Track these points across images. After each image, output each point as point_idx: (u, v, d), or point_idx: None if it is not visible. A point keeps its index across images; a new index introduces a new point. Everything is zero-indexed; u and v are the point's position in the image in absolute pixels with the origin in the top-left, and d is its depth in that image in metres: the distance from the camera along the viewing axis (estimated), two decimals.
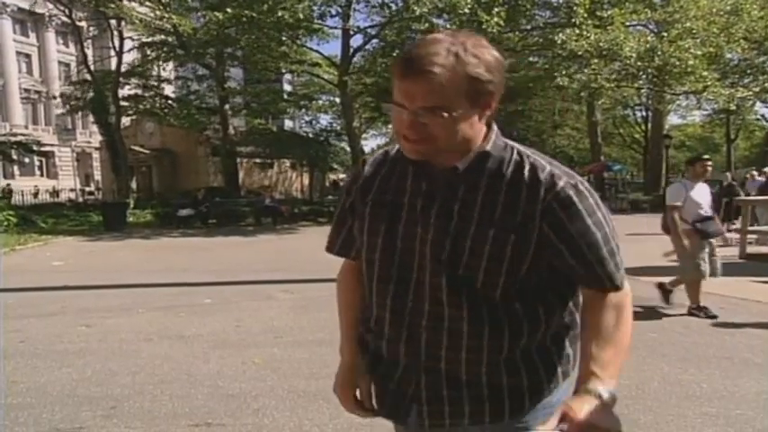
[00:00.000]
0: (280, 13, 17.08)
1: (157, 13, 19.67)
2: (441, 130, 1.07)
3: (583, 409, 1.07)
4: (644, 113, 34.85)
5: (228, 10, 17.20)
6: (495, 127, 1.19)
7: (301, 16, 17.84)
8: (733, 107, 21.67)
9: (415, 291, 1.19)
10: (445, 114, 1.05)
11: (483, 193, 1.14)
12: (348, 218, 1.31)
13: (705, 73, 18.26)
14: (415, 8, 16.25)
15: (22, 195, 26.08)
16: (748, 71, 23.79)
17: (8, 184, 29.74)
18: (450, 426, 1.22)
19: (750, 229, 9.60)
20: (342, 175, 36.76)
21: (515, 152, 1.17)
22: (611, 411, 1.10)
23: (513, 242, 1.12)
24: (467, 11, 15.73)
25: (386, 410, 1.32)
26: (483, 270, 1.13)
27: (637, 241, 11.69)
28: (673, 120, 39.08)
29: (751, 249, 9.43)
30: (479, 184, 1.15)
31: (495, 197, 1.14)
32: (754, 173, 16.29)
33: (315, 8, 18.81)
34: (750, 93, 20.86)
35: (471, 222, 1.14)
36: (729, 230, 13.80)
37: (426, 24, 16.79)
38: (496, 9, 15.93)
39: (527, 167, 1.14)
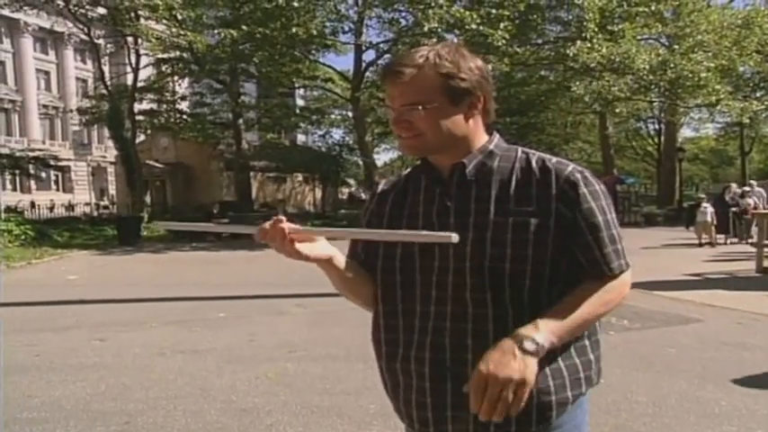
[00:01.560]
0: (293, 30, 17.29)
1: (173, 30, 19.99)
2: (423, 124, 1.18)
3: (492, 358, 1.06)
4: (657, 126, 34.65)
5: (243, 27, 17.45)
6: (497, 134, 1.28)
7: (314, 32, 18.05)
8: (746, 120, 21.53)
9: (437, 293, 1.19)
10: (420, 108, 1.16)
11: (496, 189, 1.20)
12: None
13: (718, 86, 18.20)
14: (425, 23, 16.39)
15: (38, 209, 26.42)
16: (761, 84, 23.66)
17: (19, 201, 30.14)
18: None
19: (766, 242, 9.46)
20: (353, 189, 36.89)
21: (520, 151, 1.25)
22: (524, 363, 1.06)
23: (535, 226, 1.15)
24: (474, 26, 15.83)
25: (417, 423, 1.25)
26: (509, 258, 1.15)
27: (651, 255, 11.61)
28: (686, 133, 38.78)
29: None
30: (490, 180, 1.21)
31: (507, 190, 1.19)
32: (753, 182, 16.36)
33: (328, 24, 19.01)
34: (763, 106, 20.71)
35: (488, 215, 1.18)
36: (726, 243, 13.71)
37: (436, 39, 16.91)
38: (503, 24, 16.02)
39: (534, 161, 1.21)
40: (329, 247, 1.21)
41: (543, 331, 1.09)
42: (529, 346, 1.07)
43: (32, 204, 28.09)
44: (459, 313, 1.17)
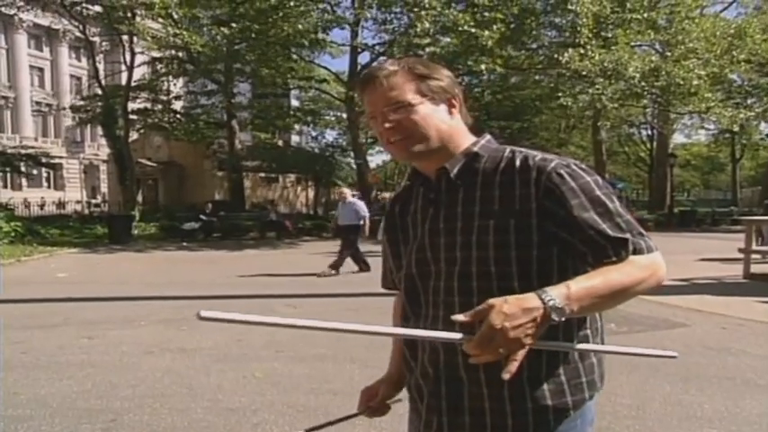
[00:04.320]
0: (286, 27, 17.32)
1: (170, 30, 19.96)
2: (410, 123, 1.19)
3: (511, 312, 0.96)
4: (649, 132, 34.91)
5: (234, 24, 17.45)
6: (487, 135, 1.29)
7: (308, 29, 18.07)
8: (736, 128, 21.73)
9: (433, 300, 1.21)
10: (406, 106, 1.19)
11: (480, 190, 1.20)
12: (385, 251, 1.42)
13: (709, 94, 18.35)
14: (419, 25, 16.46)
15: (29, 207, 26.25)
16: (752, 92, 23.89)
17: (10, 199, 29.96)
18: None
19: (754, 248, 9.56)
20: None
21: (508, 151, 1.23)
22: (539, 331, 0.98)
23: (515, 227, 1.13)
24: (467, 28, 15.91)
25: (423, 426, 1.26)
26: (493, 261, 1.14)
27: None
28: (678, 139, 39.14)
29: (755, 269, 9.39)
30: (475, 182, 1.21)
31: (491, 191, 1.18)
32: None
33: (321, 24, 19.04)
34: (753, 113, 20.91)
35: (474, 219, 1.18)
36: None
37: (429, 41, 16.99)
38: (496, 26, 16.13)
39: (518, 159, 1.19)
40: (390, 379, 1.43)
41: (573, 300, 1.01)
42: (554, 316, 0.99)
43: (26, 203, 27.88)
44: (449, 318, 1.11)
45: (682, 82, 17.29)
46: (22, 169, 29.52)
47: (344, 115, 26.08)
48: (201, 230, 18.76)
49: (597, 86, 17.68)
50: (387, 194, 14.73)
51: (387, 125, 1.19)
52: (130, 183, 24.04)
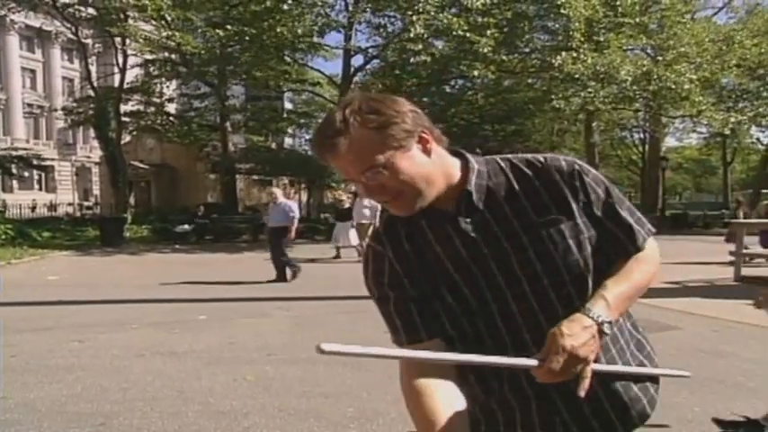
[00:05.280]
0: (279, 30, 17.30)
1: (163, 32, 19.90)
2: (395, 182, 1.10)
3: (573, 333, 1.04)
4: (641, 135, 35.10)
5: (228, 27, 17.42)
6: (465, 153, 1.22)
7: (300, 32, 18.06)
8: (727, 132, 21.90)
9: (506, 324, 1.16)
10: (380, 169, 1.09)
11: (508, 205, 1.16)
12: (401, 297, 1.20)
13: (700, 98, 18.49)
14: (412, 29, 16.49)
15: (20, 209, 26.06)
16: (743, 96, 24.09)
17: (1, 201, 29.79)
18: None
19: (745, 252, 9.62)
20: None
21: (500, 160, 1.21)
22: (598, 345, 1.07)
23: (568, 228, 1.14)
24: (461, 32, 15.95)
25: None
26: (565, 269, 1.13)
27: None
28: (670, 142, 39.33)
29: (746, 272, 9.45)
30: (497, 198, 1.16)
31: (519, 203, 1.15)
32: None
33: (316, 27, 19.03)
34: (744, 117, 21.09)
35: (520, 235, 1.14)
36: None
37: (422, 45, 17.02)
38: (490, 31, 16.16)
39: (524, 165, 1.18)
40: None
41: (613, 309, 1.10)
42: (607, 329, 1.08)
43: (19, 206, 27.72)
44: (538, 337, 1.10)
45: (673, 86, 17.41)
46: (14, 171, 29.30)
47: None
48: (194, 233, 18.69)
49: (590, 90, 17.77)
50: (344, 196, 14.43)
51: (369, 186, 1.12)
52: (123, 185, 23.92)
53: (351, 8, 19.57)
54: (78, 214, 29.75)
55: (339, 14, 19.97)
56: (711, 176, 48.32)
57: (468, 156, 1.21)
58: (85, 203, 39.29)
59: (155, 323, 6.26)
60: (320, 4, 18.78)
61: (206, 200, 25.50)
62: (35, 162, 30.26)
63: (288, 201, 10.30)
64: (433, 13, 16.47)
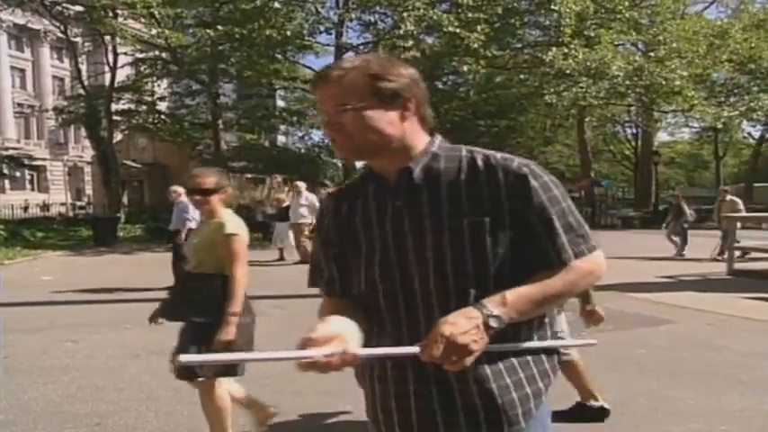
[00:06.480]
0: (268, 32, 17.23)
1: (153, 31, 19.78)
2: (352, 125, 1.17)
3: (456, 322, 1.07)
4: (634, 130, 35.20)
5: (219, 27, 17.33)
6: (438, 136, 1.27)
7: (288, 34, 17.99)
8: (719, 126, 22.00)
9: (407, 302, 1.19)
10: (349, 107, 1.16)
11: (446, 191, 1.19)
12: (324, 253, 1.33)
13: (692, 93, 18.55)
14: (402, 26, 16.47)
15: (12, 209, 25.89)
16: (735, 91, 24.20)
17: None
18: None
19: (737, 245, 9.69)
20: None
21: (465, 150, 1.24)
22: (482, 337, 1.08)
23: (491, 225, 1.15)
24: (451, 29, 15.93)
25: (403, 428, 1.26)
26: (471, 261, 1.15)
27: (629, 257, 11.77)
28: (662, 137, 39.49)
29: (738, 266, 9.52)
30: (439, 183, 1.20)
31: (457, 192, 1.19)
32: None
33: (306, 26, 18.96)
34: (736, 112, 21.18)
35: (443, 218, 1.17)
36: None
37: (413, 42, 16.99)
38: (480, 27, 16.15)
39: (479, 159, 1.21)
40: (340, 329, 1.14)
41: (509, 307, 1.11)
42: (493, 323, 1.09)
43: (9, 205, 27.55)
44: (431, 320, 1.14)
45: (664, 81, 17.46)
46: (5, 171, 29.09)
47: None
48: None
49: (581, 85, 17.80)
50: (282, 195, 13.99)
51: (332, 123, 1.19)
52: (115, 184, 23.79)
53: (341, 5, 19.52)
54: (71, 214, 29.57)
55: (330, 11, 19.93)
56: (704, 171, 48.52)
57: (437, 140, 1.26)
58: (78, 203, 39.02)
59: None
60: (311, 1, 18.70)
61: None
62: (27, 162, 30.10)
63: (187, 201, 9.78)
64: (423, 10, 16.44)
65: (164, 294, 8.48)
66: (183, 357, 1.08)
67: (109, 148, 23.94)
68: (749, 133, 36.04)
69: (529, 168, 1.18)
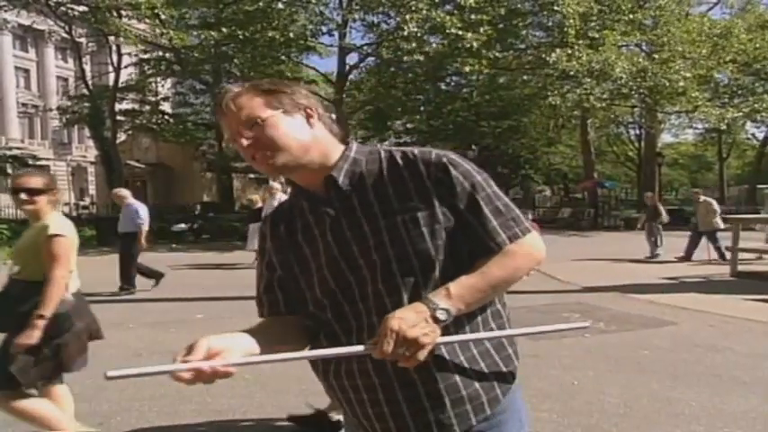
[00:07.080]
0: (271, 33, 17.27)
1: (157, 31, 19.83)
2: (267, 137, 1.18)
3: (404, 317, 1.07)
4: (637, 131, 35.14)
5: (223, 29, 17.37)
6: (353, 141, 1.30)
7: (292, 36, 18.03)
8: (723, 127, 21.93)
9: (363, 307, 1.20)
10: (258, 120, 1.18)
11: (374, 192, 1.21)
12: (268, 278, 1.33)
13: (696, 93, 18.51)
14: (405, 27, 16.47)
15: (15, 209, 25.97)
16: (739, 92, 24.13)
17: None
18: None
19: (741, 247, 9.66)
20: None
21: (383, 151, 1.27)
22: (432, 330, 1.08)
23: (424, 218, 1.17)
24: (454, 30, 15.93)
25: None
26: (413, 255, 1.17)
27: (632, 259, 11.76)
28: (666, 138, 39.42)
29: (743, 268, 9.50)
30: (366, 185, 1.22)
31: (385, 190, 1.21)
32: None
33: (309, 27, 18.99)
34: (740, 113, 21.12)
35: (378, 219, 1.19)
36: None
37: (416, 44, 17.00)
38: (483, 28, 16.15)
39: (398, 156, 1.23)
40: (245, 344, 1.16)
41: (455, 299, 1.12)
42: (441, 315, 1.10)
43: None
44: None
45: (668, 83, 17.43)
46: (9, 171, 29.19)
47: (333, 116, 25.98)
48: (191, 232, 18.67)
49: (585, 86, 17.77)
50: (255, 196, 13.18)
51: (245, 142, 1.19)
52: (118, 184, 23.80)
53: (344, 6, 19.53)
54: (74, 214, 29.66)
55: (333, 12, 19.95)
56: (707, 172, 48.40)
57: (353, 145, 1.28)
58: (81, 203, 39.15)
59: (152, 323, 6.26)
60: (314, 1, 18.73)
61: (202, 199, 25.47)
62: (30, 162, 30.12)
63: (137, 203, 9.53)
64: (425, 12, 16.44)
65: (163, 294, 8.52)
66: (111, 372, 1.00)
67: (112, 149, 24.01)
68: (753, 134, 35.98)
69: (447, 158, 1.20)
